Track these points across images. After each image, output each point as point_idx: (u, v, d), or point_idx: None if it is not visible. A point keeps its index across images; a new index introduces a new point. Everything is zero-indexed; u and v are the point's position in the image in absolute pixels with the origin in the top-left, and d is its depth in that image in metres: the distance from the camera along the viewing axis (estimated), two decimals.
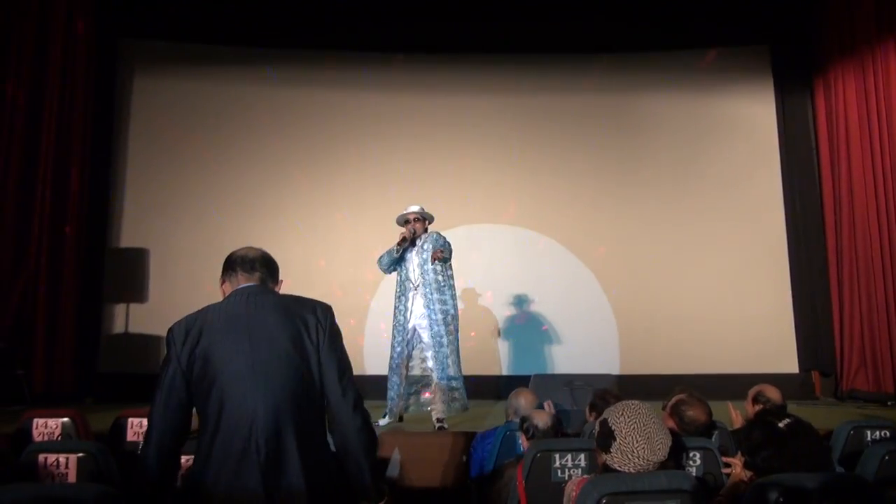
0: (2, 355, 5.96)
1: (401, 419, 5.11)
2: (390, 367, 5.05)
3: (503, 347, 7.18)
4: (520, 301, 7.23)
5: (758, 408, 3.42)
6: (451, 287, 5.02)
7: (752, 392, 3.54)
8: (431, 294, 4.92)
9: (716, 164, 7.44)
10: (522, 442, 3.08)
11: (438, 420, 4.87)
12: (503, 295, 7.23)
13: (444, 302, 4.93)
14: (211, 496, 1.88)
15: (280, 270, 2.32)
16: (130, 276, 6.98)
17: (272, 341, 1.99)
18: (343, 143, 7.35)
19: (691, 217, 7.36)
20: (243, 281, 2.20)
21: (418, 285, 4.97)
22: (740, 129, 7.50)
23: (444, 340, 4.89)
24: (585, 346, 7.06)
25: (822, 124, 7.25)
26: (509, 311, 7.23)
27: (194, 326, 2.07)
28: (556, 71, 7.55)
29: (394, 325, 5.09)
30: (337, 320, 2.05)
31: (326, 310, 2.10)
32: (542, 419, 3.06)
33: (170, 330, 2.10)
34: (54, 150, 6.51)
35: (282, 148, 7.33)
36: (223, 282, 2.29)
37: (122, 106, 7.29)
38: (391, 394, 5.03)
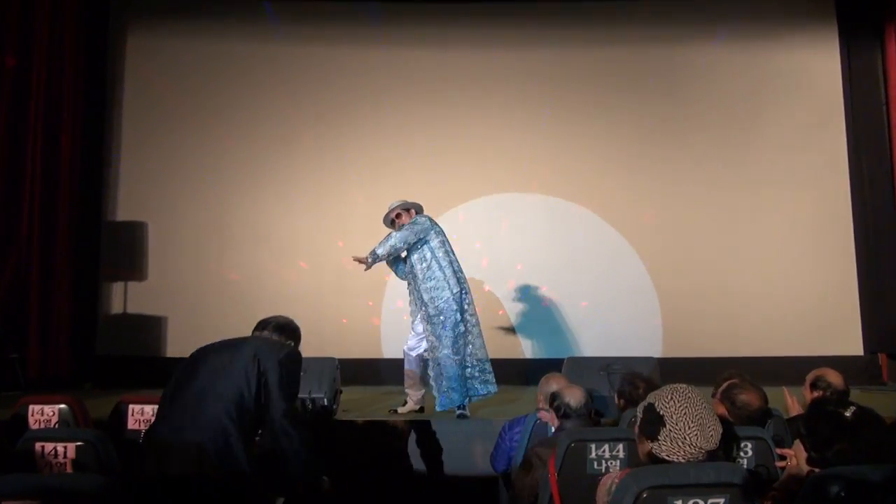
0: None
1: (421, 410, 5.19)
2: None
3: (533, 328, 7.18)
4: (551, 277, 7.20)
5: (816, 394, 3.39)
6: (442, 270, 5.03)
7: (810, 377, 3.50)
8: (417, 285, 5.05)
9: (772, 124, 7.29)
10: (552, 421, 3.09)
11: (459, 407, 4.95)
12: (533, 271, 7.21)
13: (433, 289, 5.00)
14: (155, 439, 2.68)
15: (298, 335, 3.14)
16: (128, 251, 7.08)
17: (235, 355, 2.84)
18: (357, 104, 7.32)
19: (743, 183, 7.25)
20: (255, 333, 3.10)
21: (410, 277, 5.14)
22: (800, 83, 7.33)
23: (429, 327, 5.01)
24: (624, 326, 7.03)
25: (893, 77, 7.06)
26: (540, 288, 7.21)
27: None
28: (593, 20, 7.43)
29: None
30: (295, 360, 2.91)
31: (290, 353, 2.91)
32: (574, 397, 3.04)
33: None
34: (43, 116, 6.58)
35: (291, 111, 7.32)
36: None
37: (116, 66, 7.33)
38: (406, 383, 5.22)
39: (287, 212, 7.26)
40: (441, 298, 4.98)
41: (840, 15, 7.35)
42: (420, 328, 5.12)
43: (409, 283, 5.20)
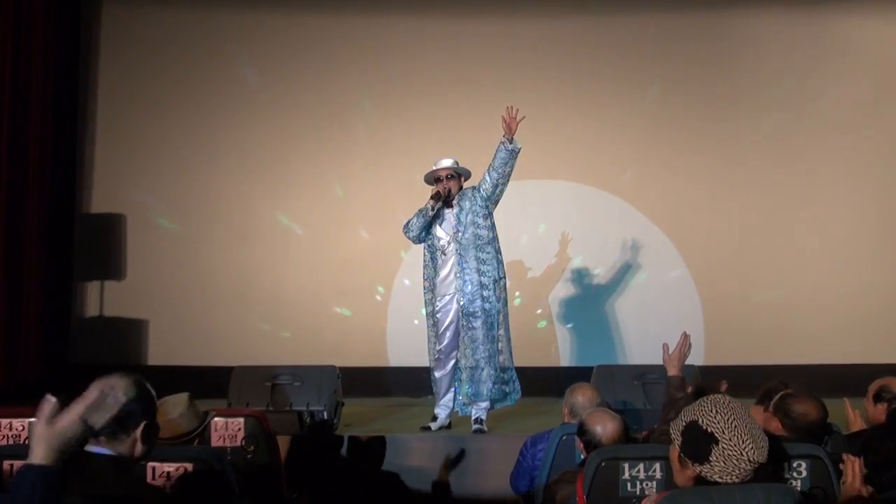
0: None
1: (450, 426, 5.16)
2: (430, 362, 5.21)
3: (559, 333, 7.18)
4: (580, 276, 7.20)
5: (881, 407, 3.38)
6: (494, 243, 5.08)
7: (873, 387, 3.49)
8: (466, 252, 4.99)
9: (830, 102, 7.24)
10: (581, 451, 3.07)
11: (476, 421, 4.95)
12: (559, 268, 7.21)
13: (482, 261, 4.98)
14: None
15: (149, 406, 2.14)
16: (104, 247, 7.13)
17: None
18: (362, 82, 7.31)
19: (797, 169, 7.20)
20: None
21: (449, 250, 5.04)
22: (862, 54, 7.27)
23: (478, 311, 4.96)
24: (662, 330, 6.95)
25: None
26: (567, 288, 7.21)
27: None
28: None
29: (426, 313, 5.23)
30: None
31: None
32: (605, 428, 2.96)
33: None
34: (9, 96, 6.60)
35: (288, 90, 7.33)
36: None
37: (90, 40, 7.35)
38: (436, 391, 5.19)
39: (282, 203, 7.29)
40: (489, 276, 4.99)
41: None
42: (452, 317, 5.05)
43: (439, 258, 5.10)
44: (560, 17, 7.36)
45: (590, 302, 7.18)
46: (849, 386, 4.61)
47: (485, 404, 4.99)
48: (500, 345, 5.06)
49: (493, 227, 5.10)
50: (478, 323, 4.97)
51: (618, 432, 2.97)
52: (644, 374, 5.25)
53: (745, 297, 7.06)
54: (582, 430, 3.04)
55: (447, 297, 5.08)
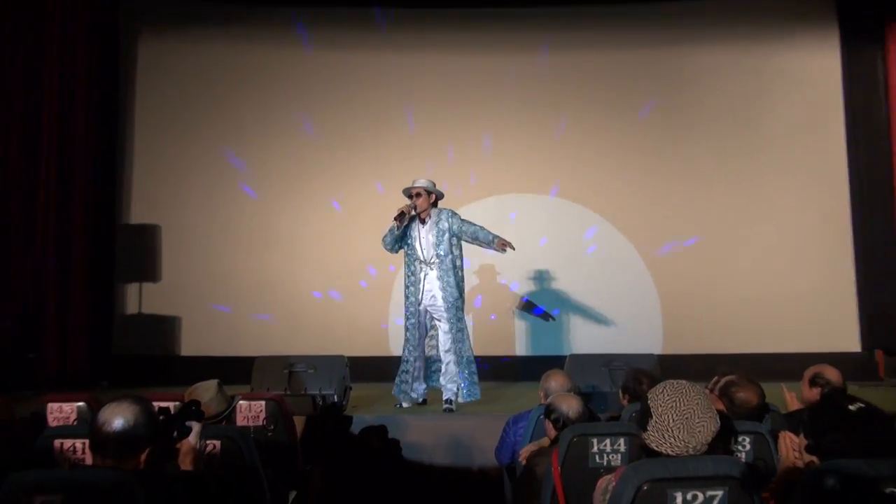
0: (13, 337, 6.15)
1: (424, 402, 5.26)
2: (405, 350, 5.27)
3: (536, 325, 7.19)
4: (552, 275, 7.22)
5: (815, 391, 3.40)
6: (461, 268, 5.22)
7: (808, 373, 3.50)
8: (447, 275, 5.07)
9: (772, 123, 7.27)
10: (549, 431, 3.09)
11: (447, 402, 5.04)
12: (534, 269, 7.23)
13: (452, 285, 5.08)
14: None
15: (153, 428, 2.01)
16: (142, 254, 7.12)
17: None
18: (367, 107, 7.30)
19: (743, 181, 7.24)
20: (98, 462, 2.02)
21: (432, 264, 5.11)
22: (800, 83, 7.31)
23: (455, 320, 5.10)
24: (625, 323, 7.03)
25: (893, 76, 7.01)
26: (541, 286, 7.23)
27: None
28: (598, 24, 7.40)
29: (406, 307, 5.27)
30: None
31: None
32: (570, 406, 3.03)
33: None
34: (56, 119, 6.60)
35: (300, 114, 7.33)
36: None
37: (128, 68, 7.34)
38: (406, 377, 5.24)
39: (300, 211, 7.30)
40: (457, 295, 5.11)
41: (841, 15, 7.28)
42: (447, 315, 5.13)
43: (413, 275, 5.17)
44: (542, 54, 7.35)
45: (561, 299, 7.19)
46: (786, 371, 4.66)
47: (451, 387, 5.09)
48: (461, 349, 5.14)
49: (461, 255, 5.22)
50: (445, 330, 5.12)
51: (581, 408, 3.04)
52: (610, 362, 5.29)
53: (698, 294, 7.07)
54: (550, 411, 3.07)
55: (415, 307, 5.18)
